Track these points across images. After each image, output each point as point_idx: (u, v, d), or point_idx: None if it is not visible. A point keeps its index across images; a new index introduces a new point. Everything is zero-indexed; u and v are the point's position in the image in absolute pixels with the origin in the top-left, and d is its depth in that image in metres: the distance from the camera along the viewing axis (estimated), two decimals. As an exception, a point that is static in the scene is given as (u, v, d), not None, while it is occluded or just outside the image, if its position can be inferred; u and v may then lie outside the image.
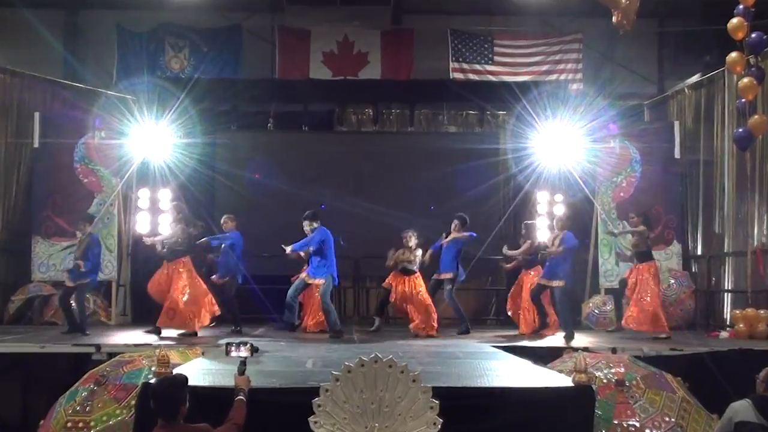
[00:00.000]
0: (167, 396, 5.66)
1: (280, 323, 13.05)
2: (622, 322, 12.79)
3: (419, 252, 13.16)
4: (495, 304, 16.65)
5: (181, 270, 12.31)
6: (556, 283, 12.58)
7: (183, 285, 12.23)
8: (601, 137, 15.27)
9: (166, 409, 5.64)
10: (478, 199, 15.54)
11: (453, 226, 13.41)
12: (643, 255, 12.89)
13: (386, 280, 13.36)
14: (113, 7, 17.56)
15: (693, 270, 15.40)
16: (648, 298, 12.54)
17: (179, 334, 12.08)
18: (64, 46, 17.45)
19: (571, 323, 12.58)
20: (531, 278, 13.20)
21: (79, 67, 17.07)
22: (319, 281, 12.64)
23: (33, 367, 11.73)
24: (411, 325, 13.13)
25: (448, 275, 13.29)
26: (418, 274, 13.21)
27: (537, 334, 12.78)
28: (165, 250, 12.50)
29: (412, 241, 13.15)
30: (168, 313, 12.12)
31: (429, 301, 13.12)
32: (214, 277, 13.18)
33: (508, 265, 13.95)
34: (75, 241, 13.43)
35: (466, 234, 13.29)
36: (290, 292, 12.75)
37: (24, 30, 16.49)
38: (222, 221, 13.50)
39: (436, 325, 13.08)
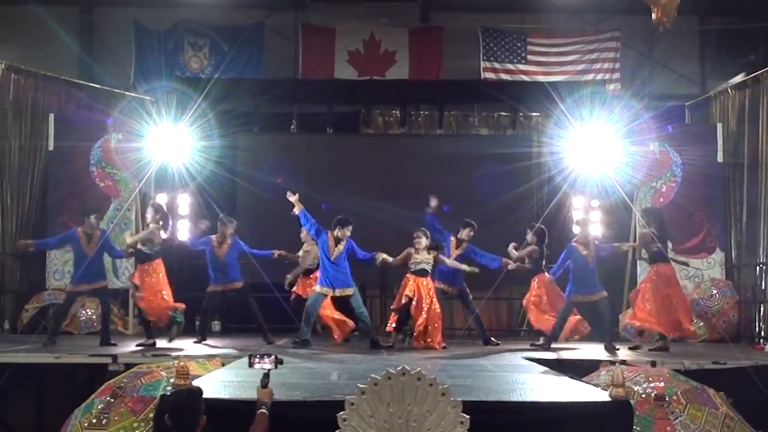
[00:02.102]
0: (185, 408, 5.39)
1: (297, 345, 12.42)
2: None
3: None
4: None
5: (159, 273, 12.38)
6: (602, 295, 12.32)
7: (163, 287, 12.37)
8: (640, 140, 14.82)
9: (183, 422, 5.36)
10: (511, 204, 15.08)
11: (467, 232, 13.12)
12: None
13: (405, 290, 12.61)
14: (130, 3, 17.23)
15: (736, 280, 14.85)
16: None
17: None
18: (79, 45, 17.14)
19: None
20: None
21: (95, 66, 16.80)
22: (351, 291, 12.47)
23: (48, 378, 11.87)
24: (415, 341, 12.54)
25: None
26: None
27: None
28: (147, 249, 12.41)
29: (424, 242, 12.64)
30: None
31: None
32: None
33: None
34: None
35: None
36: (311, 305, 12.34)
37: (38, 28, 16.17)
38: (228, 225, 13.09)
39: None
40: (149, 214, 12.64)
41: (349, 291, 12.42)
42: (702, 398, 8.09)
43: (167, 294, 12.33)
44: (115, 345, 11.93)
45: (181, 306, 12.56)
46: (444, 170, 15.73)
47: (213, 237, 13.02)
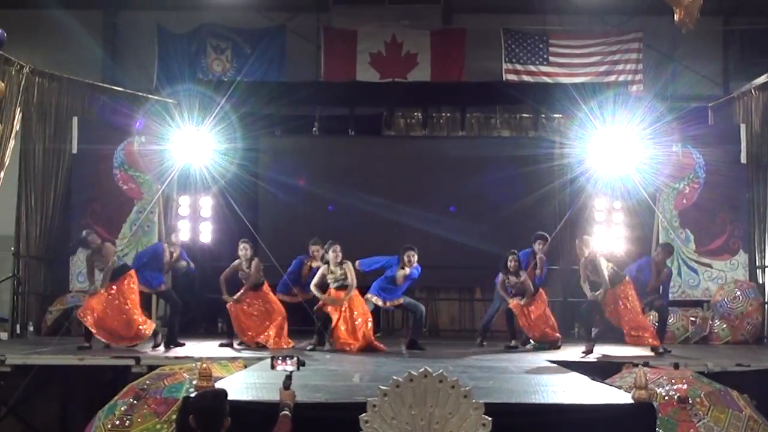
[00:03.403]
0: (211, 409, 5.39)
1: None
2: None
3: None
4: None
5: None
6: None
7: None
8: (663, 141, 14.69)
9: (208, 424, 5.35)
10: (533, 206, 15.08)
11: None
12: None
13: None
14: (153, 7, 17.34)
15: (760, 281, 14.72)
16: None
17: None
18: (103, 48, 17.25)
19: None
20: None
21: (119, 69, 16.90)
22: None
23: (71, 379, 11.85)
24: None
25: None
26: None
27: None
28: None
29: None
30: None
31: None
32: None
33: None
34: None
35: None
36: None
37: (62, 32, 16.20)
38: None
39: None
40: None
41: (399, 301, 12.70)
42: (725, 400, 8.03)
43: None
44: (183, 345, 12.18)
45: None
46: (466, 172, 15.62)
47: None
